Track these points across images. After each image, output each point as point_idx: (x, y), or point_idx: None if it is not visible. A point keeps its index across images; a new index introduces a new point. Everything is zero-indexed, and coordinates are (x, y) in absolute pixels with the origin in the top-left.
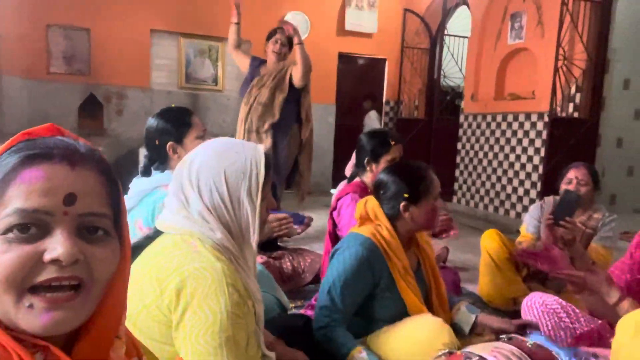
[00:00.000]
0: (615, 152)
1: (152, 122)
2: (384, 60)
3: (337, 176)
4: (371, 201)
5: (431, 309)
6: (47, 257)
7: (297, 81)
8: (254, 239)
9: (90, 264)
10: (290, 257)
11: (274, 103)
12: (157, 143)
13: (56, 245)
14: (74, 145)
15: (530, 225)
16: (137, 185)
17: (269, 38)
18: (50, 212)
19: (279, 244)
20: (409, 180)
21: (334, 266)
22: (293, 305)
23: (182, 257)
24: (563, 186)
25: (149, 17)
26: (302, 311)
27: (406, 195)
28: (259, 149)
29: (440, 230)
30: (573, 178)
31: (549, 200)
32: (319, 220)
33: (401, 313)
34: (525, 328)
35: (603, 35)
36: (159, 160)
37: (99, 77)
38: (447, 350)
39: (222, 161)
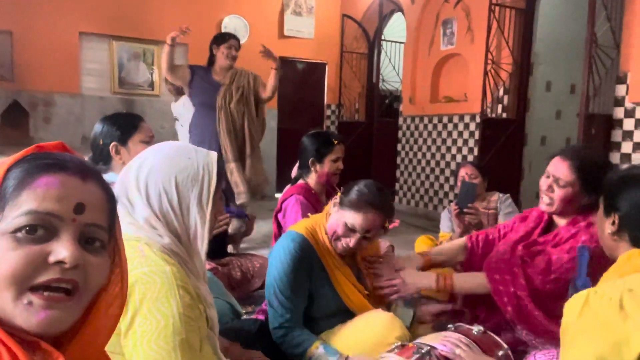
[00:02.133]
0: (540, 150)
1: (98, 125)
2: (324, 64)
3: (281, 181)
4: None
5: (373, 301)
6: (53, 258)
7: (264, 100)
8: (203, 248)
9: (87, 271)
10: (239, 263)
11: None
12: (100, 144)
13: (62, 248)
14: (85, 162)
15: (444, 226)
16: None
17: (221, 41)
18: (61, 216)
19: (228, 251)
20: (352, 190)
21: (272, 266)
22: (244, 311)
23: (128, 263)
24: (459, 183)
25: (77, 19)
26: (254, 317)
27: (338, 195)
28: (212, 156)
29: None
30: (464, 175)
31: (453, 203)
32: (265, 225)
33: (341, 308)
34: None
35: (527, 40)
36: (102, 161)
37: (23, 82)
38: (399, 343)
39: (174, 166)
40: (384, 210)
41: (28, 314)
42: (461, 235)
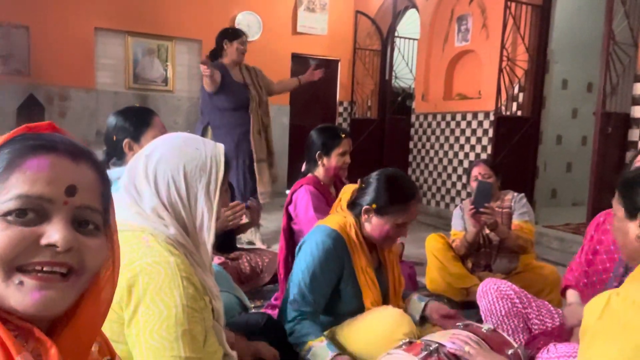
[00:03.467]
0: (555, 149)
1: (112, 119)
2: (337, 61)
3: (293, 177)
4: (348, 191)
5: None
6: (44, 241)
7: (274, 93)
8: (210, 239)
9: (82, 253)
10: (248, 258)
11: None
12: (114, 139)
13: (53, 232)
14: (76, 143)
15: (457, 225)
16: None
17: (234, 37)
18: (52, 199)
19: (237, 245)
20: (387, 194)
21: (301, 259)
22: (253, 305)
23: (133, 253)
24: (472, 182)
25: (92, 15)
26: (262, 310)
27: (374, 206)
28: (219, 147)
29: None
30: (477, 174)
31: (466, 202)
32: (277, 221)
33: (360, 308)
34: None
35: (543, 37)
36: (116, 156)
37: (39, 77)
38: (407, 340)
39: (182, 156)
40: (419, 193)
41: (21, 294)
42: (476, 235)
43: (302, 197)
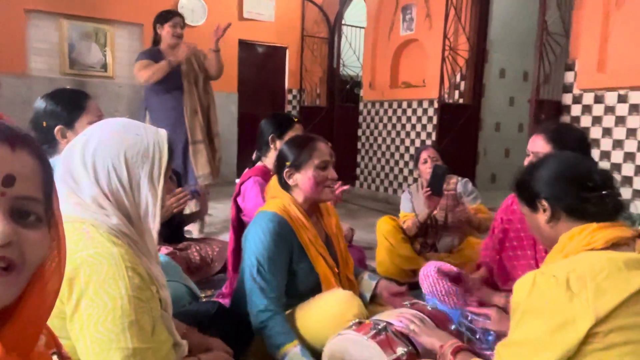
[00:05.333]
0: (494, 135)
1: (40, 103)
2: (285, 48)
3: (242, 166)
4: (274, 178)
5: (340, 278)
6: None
7: (213, 78)
8: (155, 226)
9: (23, 247)
10: (198, 247)
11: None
12: (44, 125)
13: None
14: (14, 128)
15: (405, 207)
16: None
17: (164, 20)
18: None
19: (186, 235)
20: (292, 149)
21: (250, 247)
22: (203, 295)
23: (73, 245)
24: (420, 166)
25: None
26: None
27: (288, 163)
28: (162, 132)
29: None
30: (427, 157)
31: (413, 186)
32: (226, 210)
33: (316, 285)
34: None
35: (482, 27)
36: (47, 144)
37: None
38: (357, 320)
39: (122, 143)
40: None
41: None
42: (428, 216)
43: (250, 188)
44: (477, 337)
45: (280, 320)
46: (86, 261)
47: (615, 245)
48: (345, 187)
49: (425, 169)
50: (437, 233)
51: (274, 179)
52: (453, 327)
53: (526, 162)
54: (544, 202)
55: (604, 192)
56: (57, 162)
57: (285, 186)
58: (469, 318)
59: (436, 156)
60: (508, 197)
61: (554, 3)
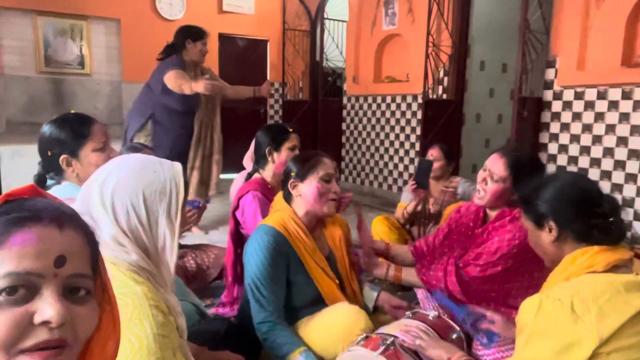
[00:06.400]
0: (475, 127)
1: (45, 129)
2: (266, 41)
3: (224, 160)
4: (279, 194)
5: (344, 290)
6: (38, 319)
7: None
8: (172, 259)
9: (75, 324)
10: (193, 255)
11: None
12: (49, 154)
13: (47, 307)
14: (60, 207)
15: (404, 198)
16: None
17: (198, 37)
18: (41, 274)
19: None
20: (298, 162)
21: (249, 262)
22: (203, 304)
23: None
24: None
25: None
26: (213, 310)
27: (293, 174)
28: (177, 168)
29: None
30: (429, 155)
31: (412, 181)
32: (213, 209)
33: (316, 297)
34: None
35: (465, 22)
36: (53, 172)
37: None
38: (364, 335)
39: (140, 181)
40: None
41: None
42: (415, 207)
43: (249, 203)
44: (480, 336)
45: (281, 330)
46: None
47: (615, 267)
48: (349, 196)
49: None
50: (428, 223)
51: (280, 195)
52: (455, 335)
53: (480, 177)
54: (552, 223)
55: (611, 220)
56: (67, 191)
57: (289, 198)
58: (473, 319)
59: (439, 155)
60: (464, 204)
61: (535, 0)
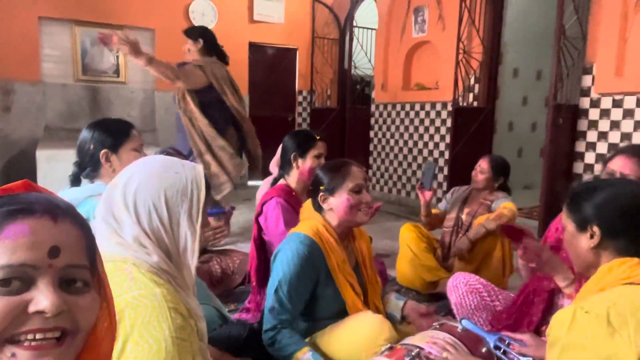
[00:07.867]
0: (507, 135)
1: (87, 131)
2: (295, 49)
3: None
4: (308, 201)
5: (368, 304)
6: (32, 308)
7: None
8: (193, 262)
9: (74, 313)
10: (218, 259)
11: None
12: (91, 148)
13: (41, 297)
14: (54, 200)
15: (441, 205)
16: (66, 196)
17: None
18: (35, 265)
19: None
20: (326, 174)
21: (277, 267)
22: (227, 309)
23: (117, 287)
24: (473, 172)
25: (36, 3)
26: (237, 315)
27: (322, 187)
28: (199, 169)
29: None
30: (477, 166)
31: (456, 188)
32: (239, 215)
33: (341, 310)
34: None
35: (497, 30)
36: (90, 167)
37: None
38: (388, 345)
39: (162, 182)
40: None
41: None
42: (425, 208)
43: (272, 210)
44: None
45: (287, 332)
46: (130, 304)
47: None
48: (380, 205)
49: (475, 175)
50: (457, 232)
51: (308, 202)
52: (484, 349)
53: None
54: (596, 229)
55: None
56: (98, 188)
57: (319, 210)
58: (507, 342)
59: (485, 168)
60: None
61: (571, 6)
